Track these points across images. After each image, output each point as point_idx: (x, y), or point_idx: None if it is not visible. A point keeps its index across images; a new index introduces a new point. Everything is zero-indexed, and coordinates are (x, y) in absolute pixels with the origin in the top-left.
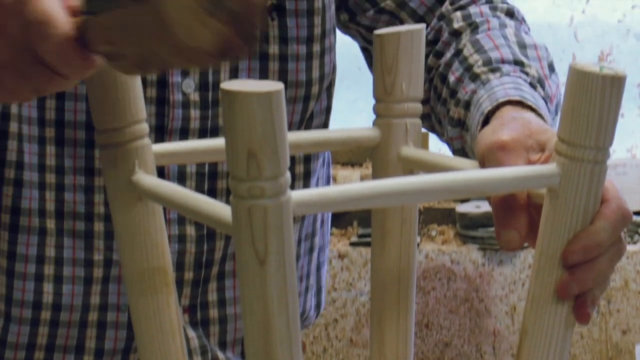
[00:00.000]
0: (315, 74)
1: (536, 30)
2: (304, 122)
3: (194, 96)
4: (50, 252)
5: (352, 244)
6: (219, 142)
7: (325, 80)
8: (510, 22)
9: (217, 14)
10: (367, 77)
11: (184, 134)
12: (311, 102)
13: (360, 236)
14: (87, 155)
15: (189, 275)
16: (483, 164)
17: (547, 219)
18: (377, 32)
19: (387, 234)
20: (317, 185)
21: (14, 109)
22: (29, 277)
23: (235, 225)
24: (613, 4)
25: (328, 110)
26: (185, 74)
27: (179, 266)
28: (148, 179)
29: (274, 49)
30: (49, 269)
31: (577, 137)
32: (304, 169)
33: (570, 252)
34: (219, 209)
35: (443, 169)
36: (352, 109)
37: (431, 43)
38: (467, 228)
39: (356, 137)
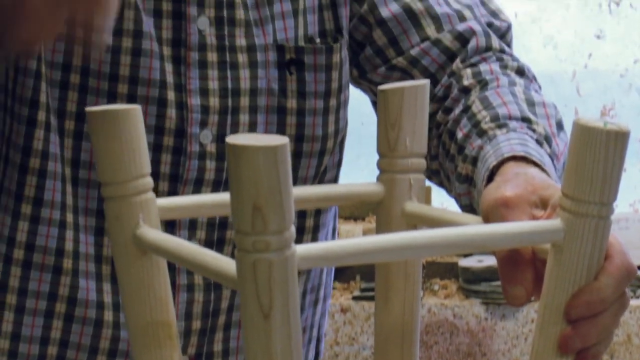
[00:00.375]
0: (331, 128)
1: (538, 85)
2: (318, 176)
3: (211, 147)
4: (69, 246)
5: (355, 298)
6: (222, 196)
7: (340, 134)
8: (520, 80)
9: None
10: (370, 133)
11: (199, 185)
12: (326, 156)
13: (362, 290)
14: None
15: (196, 324)
16: (487, 221)
17: (551, 274)
18: (381, 87)
19: (390, 288)
20: (325, 238)
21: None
22: (46, 269)
23: (240, 278)
24: (615, 58)
25: (339, 164)
26: (203, 125)
27: (188, 315)
28: (152, 233)
29: (291, 103)
30: (67, 263)
31: (581, 192)
32: (313, 222)
33: (573, 306)
34: (224, 263)
35: (447, 224)
36: (355, 166)
37: (441, 99)
38: (470, 282)
39: (360, 192)
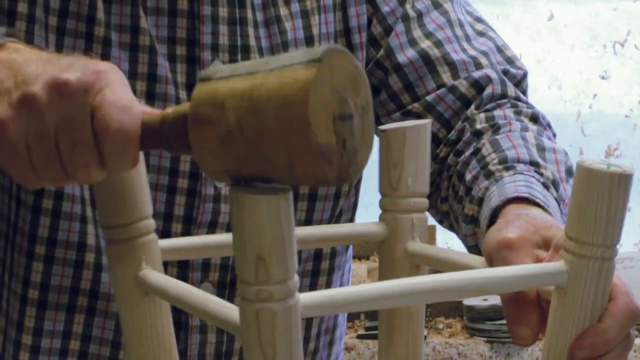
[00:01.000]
0: None
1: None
2: (334, 219)
3: (226, 191)
4: (91, 240)
5: (359, 337)
6: (224, 237)
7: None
8: (532, 127)
9: (338, 127)
10: (372, 172)
11: (212, 227)
12: (341, 199)
13: (367, 329)
14: None
15: None
16: (490, 263)
17: (555, 316)
18: (383, 127)
19: (394, 330)
20: (341, 280)
21: None
22: (69, 263)
23: (244, 327)
24: (620, 99)
25: (354, 206)
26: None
27: (201, 357)
28: (155, 275)
29: None
30: (89, 257)
31: (584, 234)
32: (329, 264)
33: (577, 348)
34: (228, 309)
35: (450, 264)
36: (359, 205)
37: (453, 143)
38: (474, 321)
39: (363, 232)
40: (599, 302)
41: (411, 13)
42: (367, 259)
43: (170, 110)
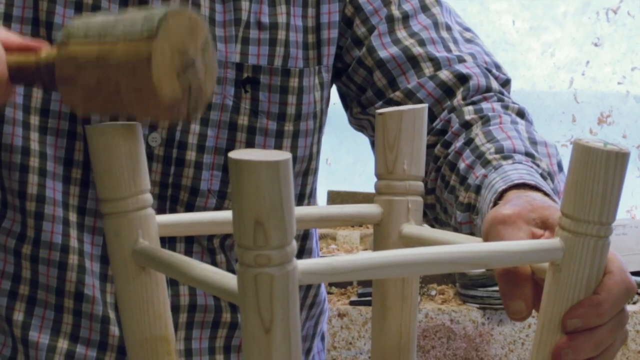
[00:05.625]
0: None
1: (536, 93)
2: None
3: (159, 150)
4: (74, 243)
5: (352, 303)
6: (222, 214)
7: (297, 165)
8: (521, 121)
9: (182, 79)
10: (366, 139)
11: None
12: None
13: (360, 295)
14: None
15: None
16: (486, 240)
17: (549, 292)
18: (380, 110)
19: (387, 311)
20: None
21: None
22: (53, 264)
23: (242, 293)
24: (612, 66)
25: (301, 197)
26: (152, 127)
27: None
28: (151, 249)
29: (243, 120)
30: (72, 259)
31: (580, 212)
32: (299, 246)
33: (569, 317)
34: (225, 277)
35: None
36: (352, 171)
37: (439, 133)
38: (467, 287)
39: (358, 214)
40: (594, 280)
41: (396, 14)
42: (360, 225)
43: (44, 55)
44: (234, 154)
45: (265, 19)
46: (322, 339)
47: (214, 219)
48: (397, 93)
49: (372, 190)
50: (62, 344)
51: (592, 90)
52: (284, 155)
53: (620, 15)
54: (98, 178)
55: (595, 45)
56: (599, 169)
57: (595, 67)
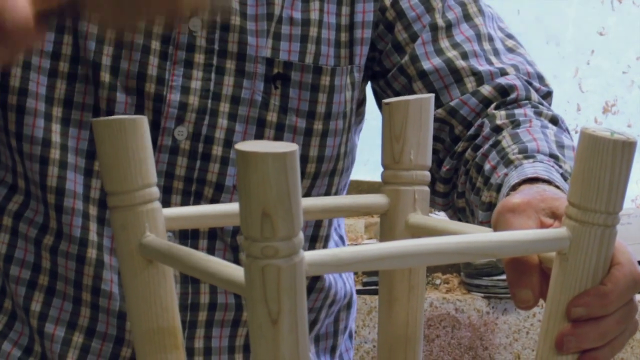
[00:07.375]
0: (313, 152)
1: None
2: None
3: (185, 145)
4: (93, 236)
5: (357, 292)
6: (229, 206)
7: (326, 164)
8: (552, 127)
9: None
10: (368, 126)
11: (170, 178)
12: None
13: (364, 284)
14: None
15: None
16: (495, 229)
17: (556, 282)
18: (386, 100)
19: (394, 300)
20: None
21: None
22: (71, 257)
23: (249, 284)
24: (618, 55)
25: (346, 186)
26: (179, 121)
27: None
28: (159, 242)
29: (272, 116)
30: (91, 253)
31: (587, 201)
32: (326, 231)
33: (573, 305)
34: (231, 269)
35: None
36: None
37: (472, 137)
38: (472, 277)
39: (365, 204)
40: (601, 269)
41: (440, 23)
42: (365, 214)
43: None
44: (240, 146)
45: (298, 15)
46: (350, 336)
47: (221, 211)
48: (440, 110)
49: (377, 179)
50: (78, 338)
51: (597, 80)
52: (291, 146)
53: (626, 5)
54: (104, 171)
55: (600, 34)
56: (606, 158)
57: (600, 57)
